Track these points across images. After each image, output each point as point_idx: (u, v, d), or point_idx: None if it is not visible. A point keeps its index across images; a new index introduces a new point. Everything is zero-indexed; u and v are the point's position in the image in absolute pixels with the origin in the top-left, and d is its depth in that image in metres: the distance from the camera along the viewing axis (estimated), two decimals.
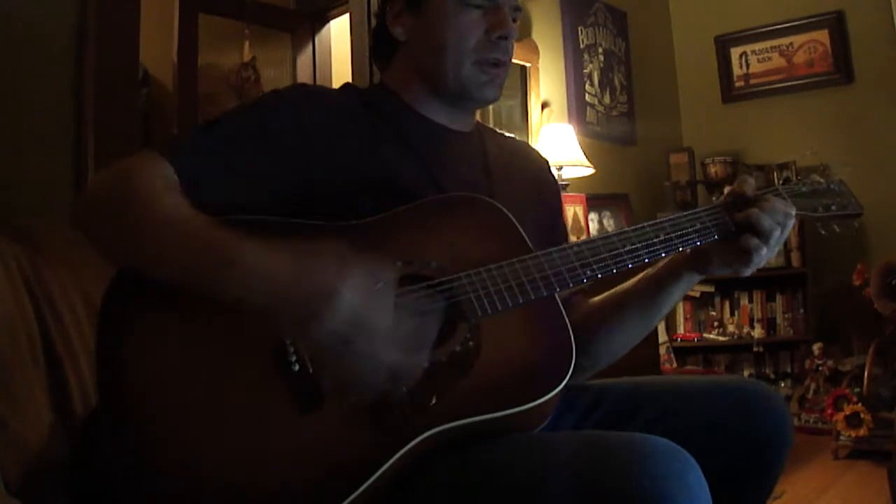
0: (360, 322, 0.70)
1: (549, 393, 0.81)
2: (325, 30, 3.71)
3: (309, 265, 0.72)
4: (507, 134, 1.27)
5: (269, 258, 0.73)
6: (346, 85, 1.09)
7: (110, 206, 0.83)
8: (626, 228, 0.96)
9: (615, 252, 0.93)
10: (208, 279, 0.75)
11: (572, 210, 2.93)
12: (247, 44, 3.40)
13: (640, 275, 1.07)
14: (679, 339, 3.61)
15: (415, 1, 1.03)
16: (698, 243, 0.98)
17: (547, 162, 1.24)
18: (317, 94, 1.01)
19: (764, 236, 0.97)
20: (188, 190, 0.84)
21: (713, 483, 0.73)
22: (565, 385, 0.83)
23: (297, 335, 0.76)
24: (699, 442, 0.79)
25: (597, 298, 1.10)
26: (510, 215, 0.94)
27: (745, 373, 3.56)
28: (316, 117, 0.95)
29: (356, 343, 0.70)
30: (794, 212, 0.99)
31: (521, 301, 0.86)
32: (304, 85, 1.05)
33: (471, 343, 0.83)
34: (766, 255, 0.98)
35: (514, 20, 1.04)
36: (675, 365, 3.46)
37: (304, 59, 3.67)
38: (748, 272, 1.00)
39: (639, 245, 0.94)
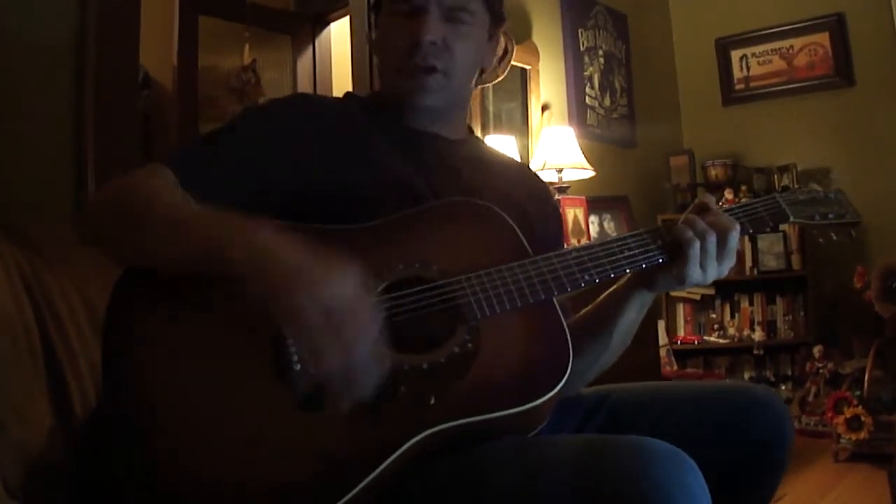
0: (343, 304, 0.72)
1: (545, 395, 0.82)
2: (325, 32, 3.72)
3: (311, 255, 0.75)
4: (509, 155, 1.27)
5: (277, 240, 0.76)
6: (347, 94, 1.11)
7: (120, 204, 0.85)
8: (613, 237, 0.96)
9: (614, 258, 0.93)
10: (216, 254, 0.77)
11: (572, 213, 2.93)
12: (247, 46, 3.41)
13: (590, 305, 1.06)
14: (679, 342, 3.60)
15: (376, 16, 1.07)
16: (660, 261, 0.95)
17: (547, 187, 1.23)
18: (317, 103, 1.03)
19: (684, 247, 0.93)
20: (193, 198, 0.85)
21: (714, 487, 0.73)
22: (561, 388, 0.83)
23: (284, 306, 0.75)
24: (699, 446, 0.79)
25: None
26: (510, 220, 0.94)
27: (746, 375, 3.56)
28: (316, 125, 0.97)
29: (334, 320, 0.71)
30: (736, 227, 0.94)
31: (519, 304, 0.87)
32: (304, 94, 1.08)
33: (470, 345, 0.84)
34: (704, 269, 0.93)
35: (460, 20, 1.00)
36: (675, 367, 3.46)
37: (304, 62, 3.67)
38: (687, 286, 0.96)
39: (637, 252, 0.94)
